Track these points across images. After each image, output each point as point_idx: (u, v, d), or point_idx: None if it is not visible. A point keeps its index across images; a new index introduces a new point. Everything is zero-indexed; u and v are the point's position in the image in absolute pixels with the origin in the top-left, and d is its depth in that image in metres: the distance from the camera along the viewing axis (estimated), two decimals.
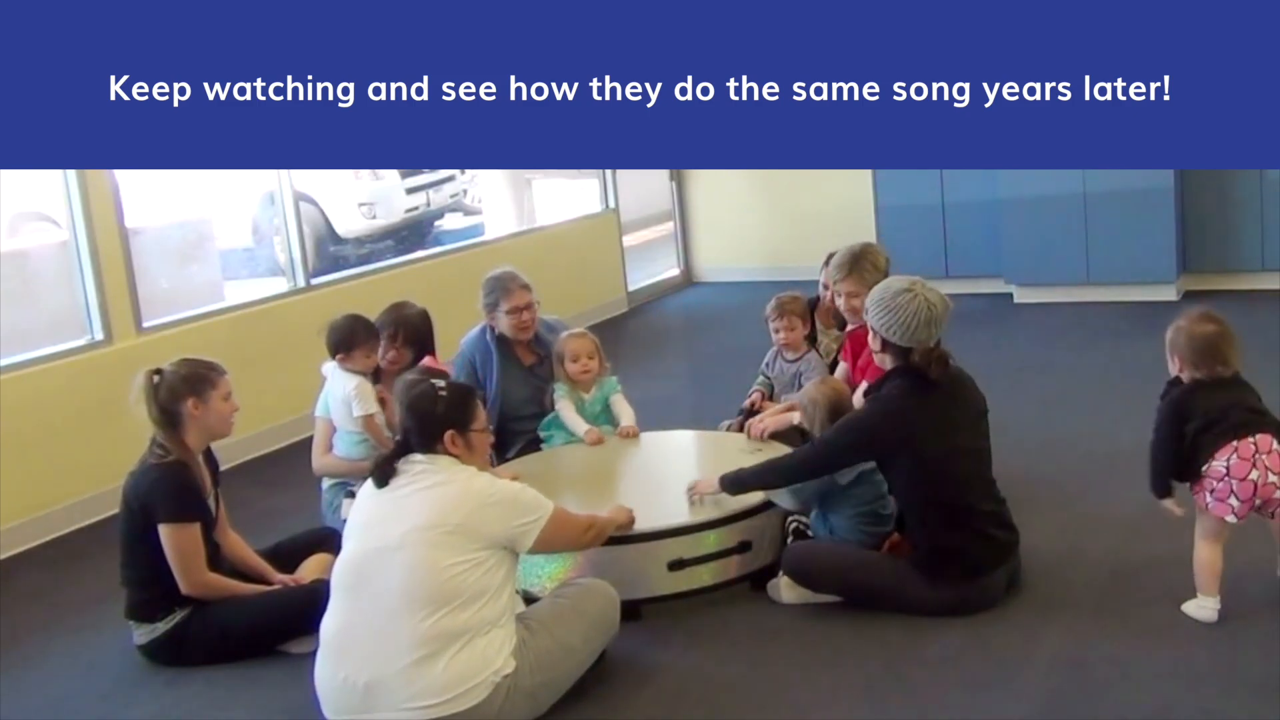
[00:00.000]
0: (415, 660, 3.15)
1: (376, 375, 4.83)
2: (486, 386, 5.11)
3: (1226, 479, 3.51)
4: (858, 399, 4.18)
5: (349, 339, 4.70)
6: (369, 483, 3.42)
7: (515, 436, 5.11)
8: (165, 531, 3.79)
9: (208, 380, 3.89)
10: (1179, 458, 3.61)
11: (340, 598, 3.32)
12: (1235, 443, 3.51)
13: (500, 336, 5.17)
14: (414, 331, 4.94)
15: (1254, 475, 3.50)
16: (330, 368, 4.79)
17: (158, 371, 3.89)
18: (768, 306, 5.17)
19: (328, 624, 3.33)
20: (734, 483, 3.99)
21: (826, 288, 5.00)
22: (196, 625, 3.87)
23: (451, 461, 3.36)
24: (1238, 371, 3.67)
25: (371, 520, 3.35)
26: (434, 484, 3.30)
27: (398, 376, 4.96)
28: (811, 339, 5.20)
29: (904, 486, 3.83)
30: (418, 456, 3.36)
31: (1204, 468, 3.56)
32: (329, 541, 4.12)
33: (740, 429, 4.88)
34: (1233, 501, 3.52)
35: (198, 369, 3.91)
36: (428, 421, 3.38)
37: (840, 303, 4.68)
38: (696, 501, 4.06)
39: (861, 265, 4.53)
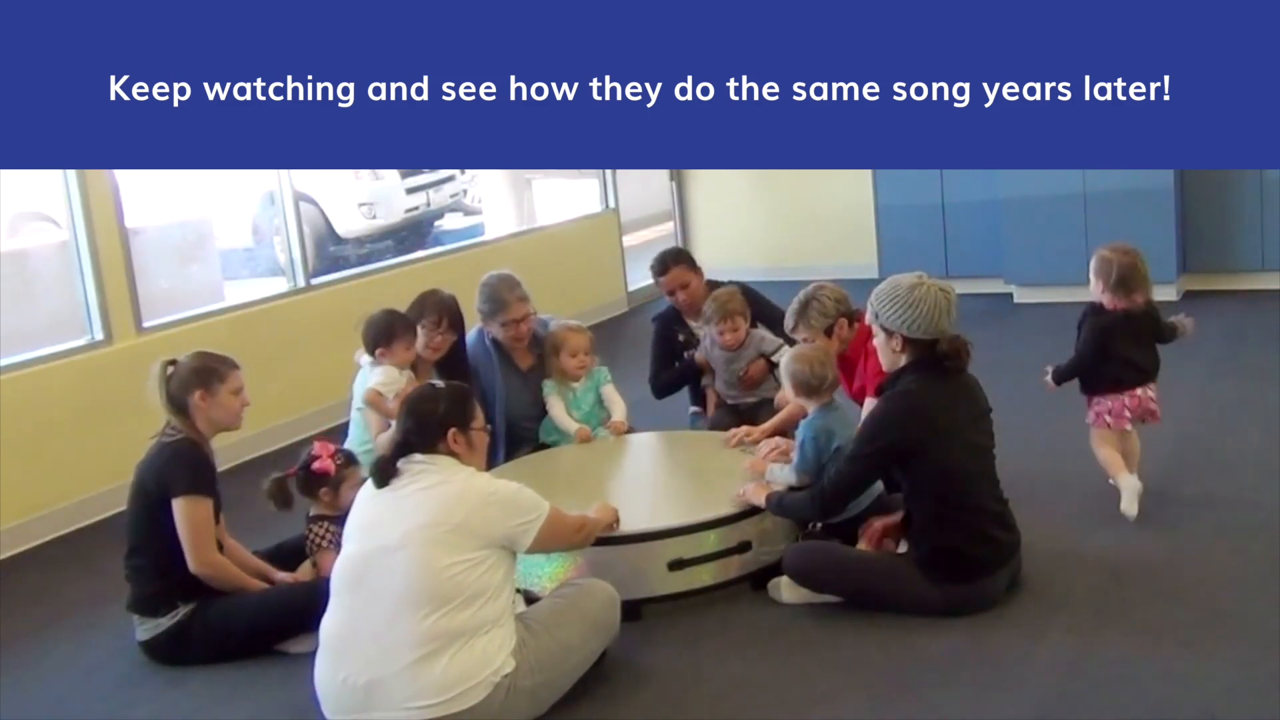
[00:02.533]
0: (415, 660, 3.15)
1: (413, 365, 4.84)
2: (488, 391, 5.09)
3: (1120, 403, 4.51)
4: (868, 408, 4.18)
5: (388, 333, 4.71)
6: (368, 483, 3.43)
7: (518, 442, 5.09)
8: (180, 505, 3.82)
9: (216, 373, 3.96)
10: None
11: (340, 597, 3.32)
12: (1130, 390, 4.51)
13: (495, 341, 5.16)
14: (456, 315, 4.99)
15: (1138, 393, 4.51)
16: (367, 360, 4.77)
17: (172, 362, 3.98)
18: (707, 308, 5.13)
19: (328, 624, 3.33)
20: (777, 505, 3.99)
21: (672, 293, 5.44)
22: (199, 622, 3.87)
23: (451, 461, 3.37)
24: (1150, 300, 4.51)
25: (372, 520, 3.35)
26: (434, 483, 3.31)
27: (437, 363, 4.95)
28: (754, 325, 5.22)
29: (917, 483, 3.81)
30: (418, 456, 3.36)
31: (1097, 397, 4.55)
32: None
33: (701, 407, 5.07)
34: (1125, 414, 4.52)
35: (208, 362, 4.00)
36: (430, 421, 3.39)
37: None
38: (740, 501, 4.06)
39: (808, 313, 4.57)
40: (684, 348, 5.44)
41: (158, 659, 3.94)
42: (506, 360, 5.15)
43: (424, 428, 3.39)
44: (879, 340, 3.88)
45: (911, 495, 3.86)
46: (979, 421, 3.89)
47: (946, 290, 3.80)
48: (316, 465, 4.11)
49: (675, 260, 5.48)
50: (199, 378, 3.94)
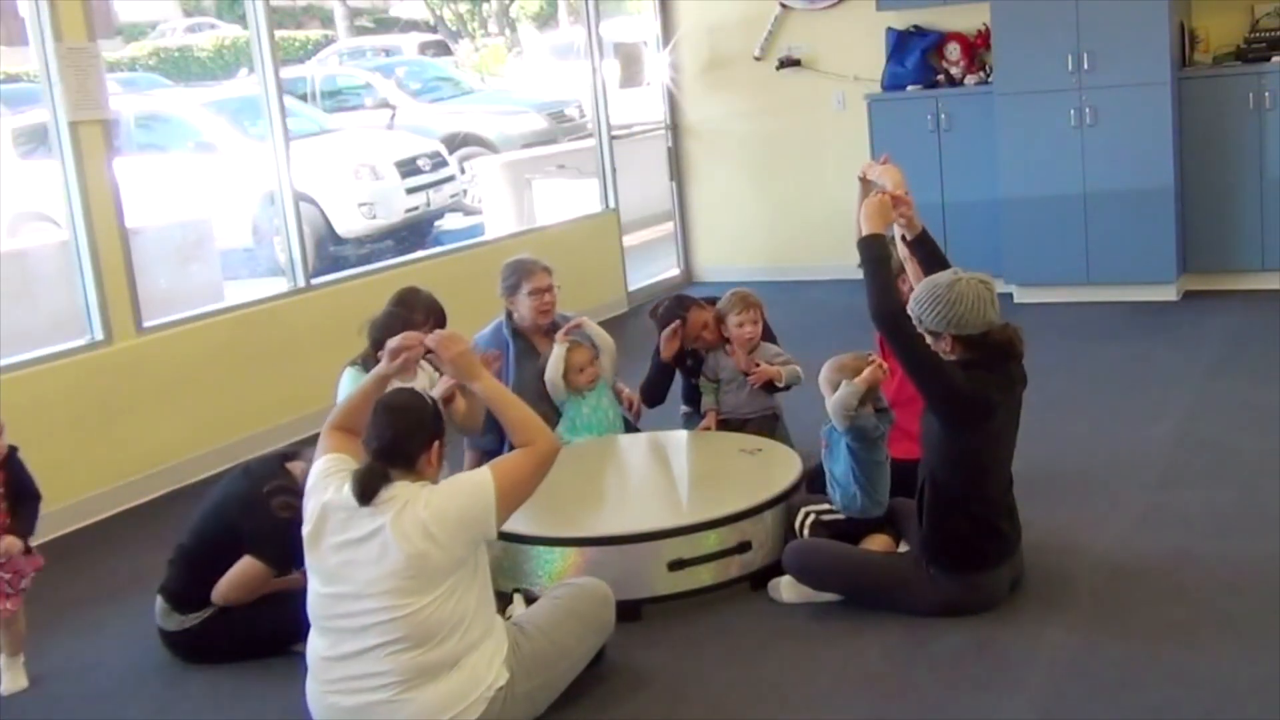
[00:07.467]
0: (403, 690, 3.09)
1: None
2: (503, 381, 5.07)
3: None
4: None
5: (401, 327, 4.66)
6: (338, 498, 3.18)
7: None
8: (247, 563, 3.80)
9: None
10: None
11: (319, 631, 3.23)
12: None
13: (516, 330, 5.14)
14: (441, 311, 4.96)
15: None
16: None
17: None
18: (725, 302, 4.98)
19: (312, 646, 3.25)
20: (867, 247, 3.84)
21: (698, 338, 5.09)
22: (223, 624, 3.88)
23: (403, 485, 3.14)
24: None
25: (330, 569, 3.16)
26: (381, 525, 3.08)
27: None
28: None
29: (952, 456, 3.70)
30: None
31: None
32: None
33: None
34: None
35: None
36: (422, 431, 3.23)
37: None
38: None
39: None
40: (691, 357, 5.24)
41: (178, 653, 3.95)
42: (524, 349, 5.11)
43: (413, 436, 3.21)
44: (932, 342, 3.74)
45: (938, 470, 3.74)
46: (1016, 413, 3.86)
47: (986, 281, 3.73)
48: None
49: (684, 306, 5.13)
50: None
